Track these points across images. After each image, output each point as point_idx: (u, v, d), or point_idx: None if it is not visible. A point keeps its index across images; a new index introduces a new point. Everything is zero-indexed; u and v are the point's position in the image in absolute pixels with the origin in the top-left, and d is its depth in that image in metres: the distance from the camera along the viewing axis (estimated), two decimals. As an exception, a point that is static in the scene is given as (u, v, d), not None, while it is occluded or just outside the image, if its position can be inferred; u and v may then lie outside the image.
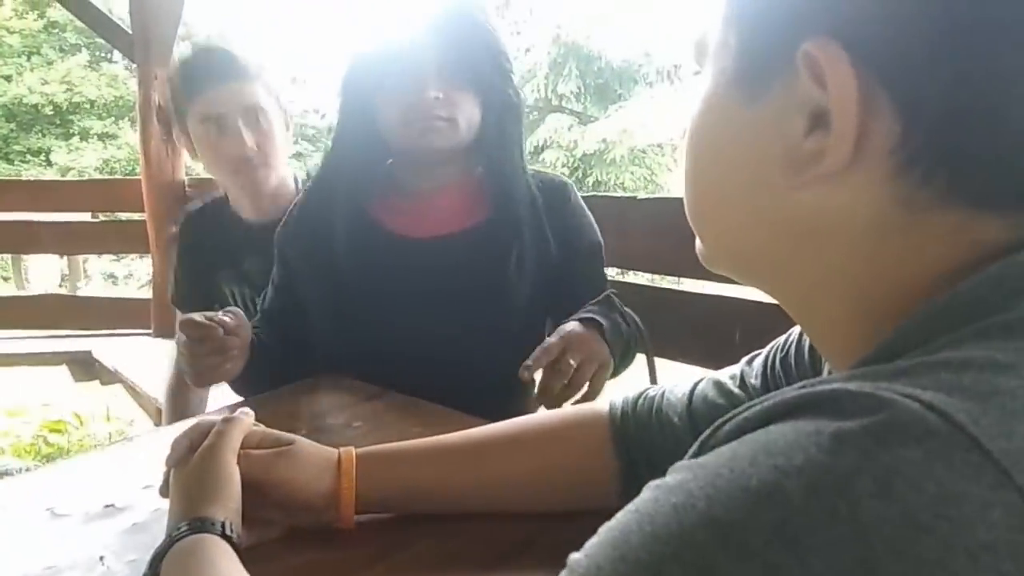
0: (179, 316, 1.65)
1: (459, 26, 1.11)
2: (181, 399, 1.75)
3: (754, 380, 0.68)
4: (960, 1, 0.33)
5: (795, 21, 0.37)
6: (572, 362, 0.95)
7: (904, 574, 0.25)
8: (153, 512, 0.79)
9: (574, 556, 0.33)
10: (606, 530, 0.32)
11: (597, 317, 1.03)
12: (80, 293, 5.64)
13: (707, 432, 0.35)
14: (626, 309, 1.11)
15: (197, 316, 1.00)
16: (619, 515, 0.32)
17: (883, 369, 0.32)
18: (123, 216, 4.06)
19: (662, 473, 0.72)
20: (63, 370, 2.92)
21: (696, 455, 0.34)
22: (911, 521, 0.25)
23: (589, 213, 1.26)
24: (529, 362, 0.94)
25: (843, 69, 0.35)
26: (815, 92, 0.36)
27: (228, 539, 0.62)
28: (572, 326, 1.00)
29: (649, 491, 0.32)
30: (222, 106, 1.47)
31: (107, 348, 2.71)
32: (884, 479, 0.26)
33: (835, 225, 0.38)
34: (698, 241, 0.49)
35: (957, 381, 0.29)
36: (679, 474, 0.31)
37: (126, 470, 0.91)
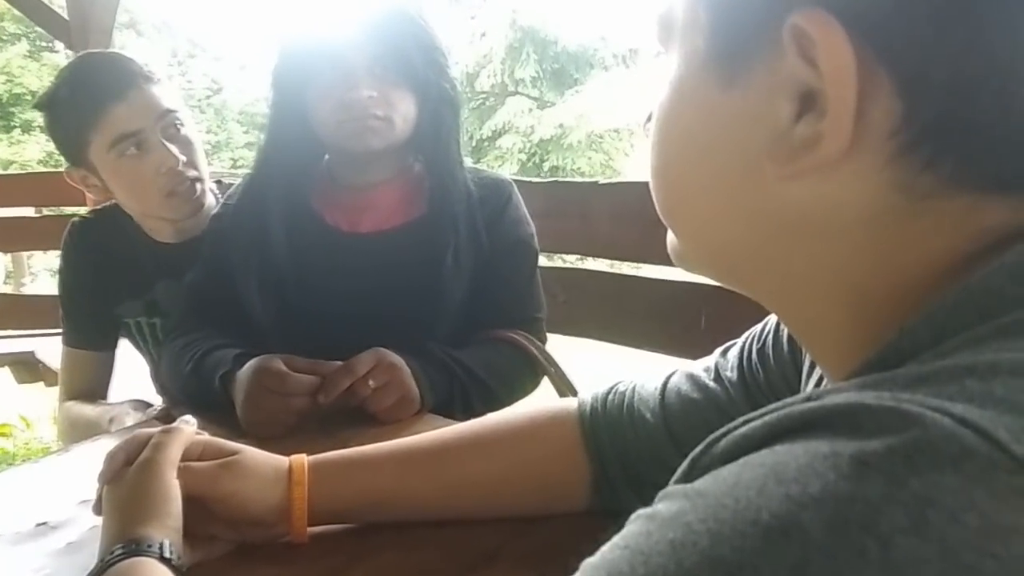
0: (67, 350, 1.42)
1: (389, 22, 1.09)
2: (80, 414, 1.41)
3: (729, 373, 0.65)
4: None
5: None
6: (371, 383, 0.95)
7: None
8: (90, 530, 0.74)
9: None
10: (591, 569, 0.28)
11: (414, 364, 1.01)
12: (24, 291, 5.46)
13: (698, 449, 0.31)
14: (463, 359, 1.09)
15: (277, 362, 0.94)
16: (605, 550, 0.28)
17: (899, 376, 0.28)
18: (68, 210, 3.93)
19: (635, 473, 0.69)
20: (6, 372, 2.80)
21: (687, 476, 0.30)
22: (953, 561, 0.21)
23: (527, 216, 1.24)
24: (329, 386, 0.94)
25: (838, 44, 0.31)
26: (804, 71, 0.32)
27: (167, 561, 0.57)
28: (386, 352, 0.99)
29: (639, 523, 0.28)
30: (136, 120, 1.23)
31: (51, 349, 2.60)
32: (918, 510, 0.22)
33: (828, 216, 0.34)
34: (670, 237, 0.44)
35: (988, 390, 0.25)
36: (673, 503, 0.27)
37: (60, 484, 0.85)
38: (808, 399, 0.28)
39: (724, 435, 0.30)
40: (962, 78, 0.30)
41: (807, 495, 0.23)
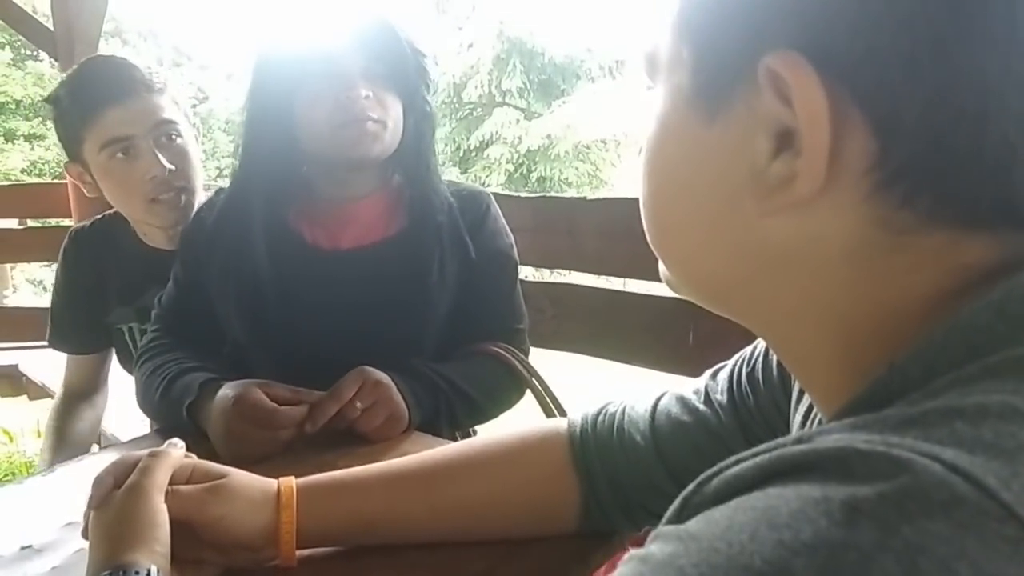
0: (70, 360, 1.52)
1: (380, 28, 1.08)
2: (68, 425, 1.52)
3: (719, 396, 0.65)
4: (942, 8, 0.30)
5: (754, 32, 0.33)
6: (359, 405, 0.94)
7: None
8: (75, 554, 0.73)
9: None
10: None
11: (400, 380, 1.01)
12: (7, 303, 5.39)
13: (690, 488, 0.31)
14: (447, 374, 1.08)
15: (259, 394, 0.92)
16: None
17: (889, 418, 0.28)
18: (52, 222, 3.90)
19: (625, 495, 0.68)
20: (-12, 385, 2.76)
21: (679, 515, 0.30)
22: None
23: (506, 226, 1.24)
24: (316, 414, 0.94)
25: (811, 86, 0.31)
26: (780, 110, 0.32)
27: None
28: (371, 370, 0.98)
29: (632, 565, 0.28)
30: (128, 126, 1.26)
31: (34, 362, 2.57)
32: (909, 559, 0.22)
33: (809, 251, 0.35)
34: (662, 266, 0.45)
35: (977, 434, 0.25)
36: (667, 545, 0.27)
37: (45, 507, 0.83)
38: (799, 440, 0.28)
39: (716, 474, 0.30)
40: (935, 118, 0.30)
41: (799, 541, 0.24)
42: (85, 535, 0.65)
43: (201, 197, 1.38)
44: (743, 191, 0.36)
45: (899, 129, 0.31)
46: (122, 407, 2.01)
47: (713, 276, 0.41)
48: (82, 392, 1.55)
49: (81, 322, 1.46)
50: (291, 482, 0.70)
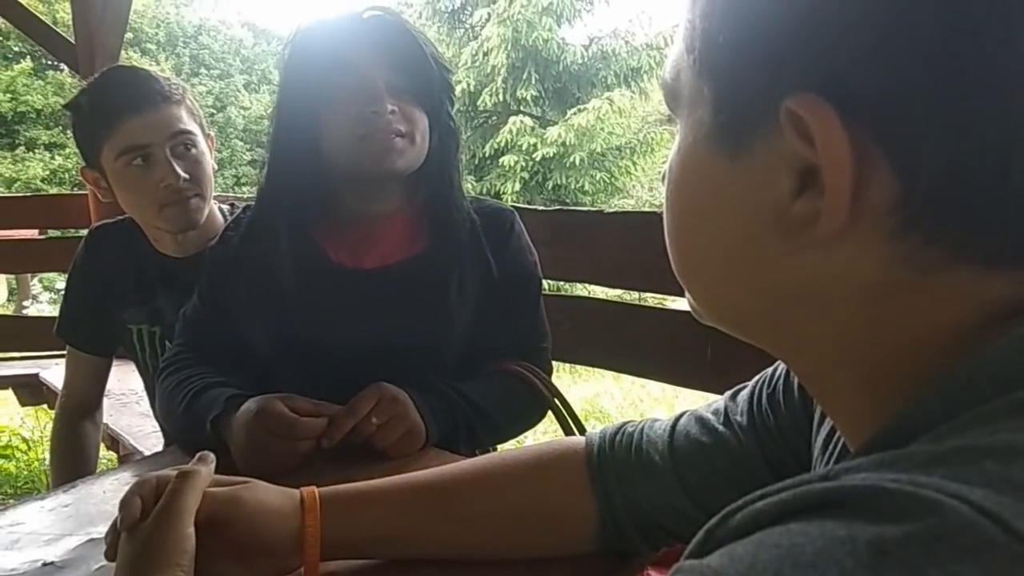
0: (71, 350, 1.52)
1: (406, 43, 1.08)
2: (76, 450, 1.53)
3: (739, 417, 0.64)
4: (963, 48, 0.29)
5: (774, 75, 0.33)
6: (375, 420, 0.95)
7: None
8: (96, 571, 0.73)
9: None
10: None
11: (417, 397, 1.01)
12: (26, 313, 5.45)
13: (714, 521, 0.31)
14: (469, 393, 1.08)
15: (280, 406, 0.93)
16: None
17: (915, 455, 0.28)
18: (72, 232, 3.95)
19: (642, 515, 0.68)
20: (8, 394, 2.80)
21: (702, 547, 0.30)
22: None
23: (530, 244, 1.23)
24: (333, 430, 0.94)
25: (832, 129, 0.31)
26: (802, 149, 0.32)
27: None
28: (388, 386, 0.99)
29: None
30: (147, 135, 1.30)
31: (55, 371, 2.60)
32: None
33: (833, 288, 0.35)
34: (688, 294, 0.45)
35: (1006, 474, 0.25)
36: None
37: (66, 522, 0.84)
38: (826, 477, 0.28)
39: (740, 508, 0.30)
40: (957, 158, 0.30)
41: None
42: (111, 556, 0.65)
43: (212, 205, 1.41)
44: (766, 228, 0.36)
45: (921, 169, 0.31)
46: (134, 418, 2.05)
47: (737, 308, 0.41)
48: (85, 405, 1.55)
49: (93, 315, 1.47)
50: (314, 491, 0.70)
